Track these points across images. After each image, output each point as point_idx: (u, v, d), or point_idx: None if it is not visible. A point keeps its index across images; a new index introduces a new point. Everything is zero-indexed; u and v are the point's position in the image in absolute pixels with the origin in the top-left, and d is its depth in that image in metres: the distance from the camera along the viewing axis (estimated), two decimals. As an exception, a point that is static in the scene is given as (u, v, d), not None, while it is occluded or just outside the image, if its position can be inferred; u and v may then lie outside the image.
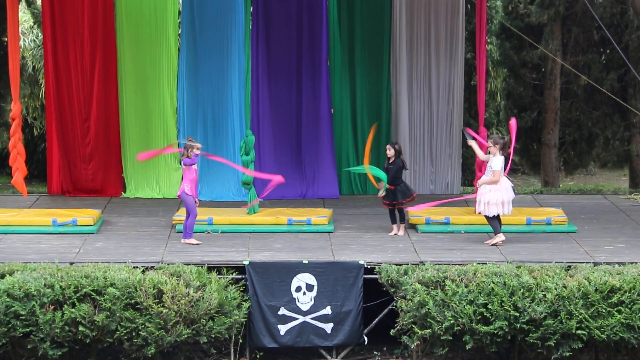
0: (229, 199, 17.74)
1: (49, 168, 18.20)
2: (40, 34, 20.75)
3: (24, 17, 22.08)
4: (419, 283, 13.03)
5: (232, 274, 13.47)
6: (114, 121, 18.11)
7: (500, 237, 14.60)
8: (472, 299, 12.85)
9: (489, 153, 14.61)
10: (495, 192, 14.44)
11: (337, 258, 13.85)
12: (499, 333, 12.84)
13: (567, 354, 12.94)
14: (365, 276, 13.59)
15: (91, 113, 18.02)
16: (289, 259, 13.74)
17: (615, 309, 12.83)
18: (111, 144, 18.14)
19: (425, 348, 13.19)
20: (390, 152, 15.04)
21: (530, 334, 12.87)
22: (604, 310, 12.82)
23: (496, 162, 14.43)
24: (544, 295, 12.84)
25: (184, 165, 14.52)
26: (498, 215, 14.57)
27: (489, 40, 22.99)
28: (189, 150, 14.48)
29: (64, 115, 18.01)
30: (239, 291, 13.25)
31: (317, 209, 16.37)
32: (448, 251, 14.33)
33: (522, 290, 12.85)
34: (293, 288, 13.49)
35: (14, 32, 16.15)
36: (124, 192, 18.13)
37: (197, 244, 14.55)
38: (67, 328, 12.64)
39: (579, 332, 12.82)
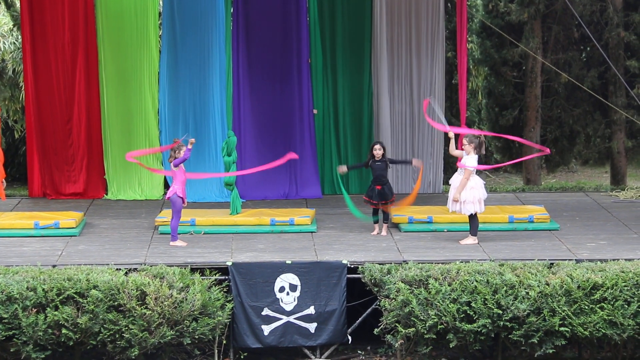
0: (212, 200, 17.73)
1: (29, 171, 18.13)
2: (20, 37, 20.66)
3: (3, 19, 21.99)
4: (402, 282, 13.05)
5: (215, 275, 13.45)
6: (95, 123, 18.07)
7: (474, 240, 14.61)
8: (456, 298, 12.87)
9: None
10: (471, 190, 14.46)
11: (321, 258, 13.85)
12: (483, 331, 12.86)
13: (551, 351, 12.98)
14: (349, 276, 13.59)
15: (73, 115, 17.98)
16: (272, 260, 13.73)
17: (597, 305, 12.88)
18: (93, 146, 18.09)
19: (409, 347, 13.21)
20: (381, 151, 15.06)
21: (514, 332, 12.90)
22: (586, 307, 12.87)
23: (470, 160, 14.44)
24: (527, 293, 12.88)
25: (174, 166, 14.50)
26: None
27: (469, 39, 23.02)
28: (177, 152, 14.46)
29: (45, 117, 17.96)
30: (222, 292, 13.24)
31: (300, 209, 16.37)
32: (431, 250, 14.35)
33: (505, 288, 12.88)
34: (276, 288, 13.48)
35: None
36: (106, 194, 18.09)
37: (183, 245, 14.52)
38: (50, 331, 12.60)
39: (562, 329, 12.86)
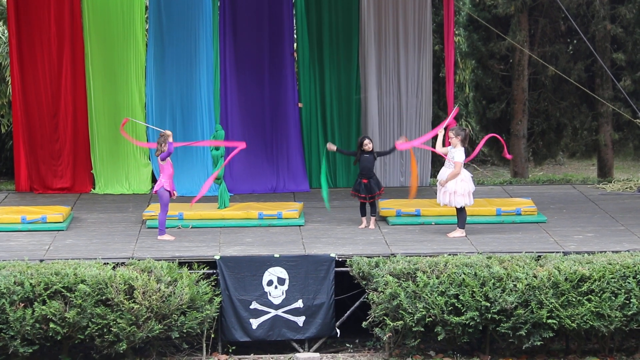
0: (199, 194, 17.71)
1: (16, 165, 18.09)
2: (6, 31, 20.60)
3: (-11, 13, 21.94)
4: (390, 275, 13.06)
5: (203, 268, 13.45)
6: (82, 117, 18.04)
7: (462, 233, 14.63)
8: (444, 290, 12.89)
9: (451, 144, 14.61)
10: (461, 182, 14.48)
11: (309, 251, 13.85)
12: (471, 324, 12.89)
13: (538, 343, 13.01)
14: (337, 269, 13.60)
15: (59, 109, 17.94)
16: (260, 253, 13.73)
17: (585, 297, 12.91)
18: (80, 140, 18.06)
19: (397, 340, 13.23)
20: (370, 145, 15.07)
21: (502, 324, 12.93)
22: (574, 299, 12.90)
23: (458, 153, 14.45)
24: (515, 285, 12.90)
25: (161, 160, 14.48)
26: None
27: (456, 32, 23.05)
28: (162, 145, 14.46)
29: (31, 112, 17.91)
30: (210, 286, 13.24)
31: (288, 203, 16.37)
32: (419, 243, 14.37)
33: (492, 281, 12.90)
34: (265, 282, 13.48)
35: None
36: (94, 188, 18.06)
37: (171, 239, 14.50)
38: (37, 325, 12.57)
39: (549, 321, 12.89)
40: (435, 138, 14.86)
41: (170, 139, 14.46)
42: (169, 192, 14.49)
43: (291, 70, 18.10)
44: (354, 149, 15.67)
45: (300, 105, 18.25)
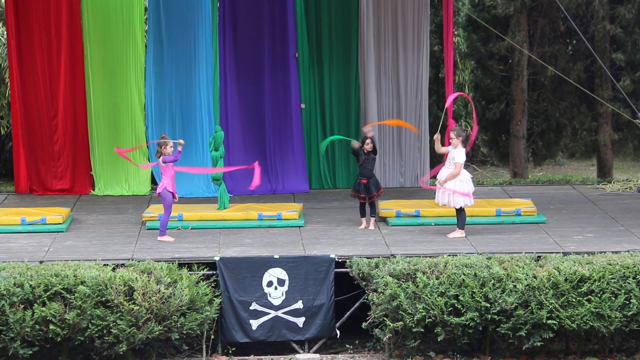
0: (199, 195, 17.71)
1: (15, 167, 18.08)
2: (5, 32, 20.60)
3: (-12, 15, 21.93)
4: (390, 276, 13.06)
5: (203, 270, 13.45)
6: (82, 118, 18.04)
7: (462, 233, 14.63)
8: (443, 291, 12.89)
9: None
10: (461, 183, 14.48)
11: (308, 252, 13.85)
12: (471, 324, 12.89)
13: (538, 344, 13.01)
14: (337, 270, 13.60)
15: (59, 110, 17.93)
16: (259, 254, 13.73)
17: (585, 298, 12.91)
18: (79, 141, 18.06)
19: (397, 340, 13.23)
20: (370, 145, 15.07)
21: (502, 325, 12.93)
22: (574, 300, 12.90)
23: (459, 154, 14.45)
24: (515, 286, 12.90)
25: (164, 162, 14.49)
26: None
27: (456, 33, 23.05)
28: (163, 148, 14.45)
29: (31, 113, 17.91)
30: (210, 287, 13.24)
31: (288, 204, 16.37)
32: (418, 243, 14.37)
33: (492, 281, 12.90)
34: (264, 283, 13.48)
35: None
36: (93, 189, 18.06)
37: (171, 240, 14.49)
38: (37, 327, 12.57)
39: (549, 321, 12.89)
40: (443, 137, 14.84)
41: (180, 148, 14.48)
42: (172, 193, 14.50)
43: (294, 71, 18.10)
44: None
45: (302, 106, 18.25)
